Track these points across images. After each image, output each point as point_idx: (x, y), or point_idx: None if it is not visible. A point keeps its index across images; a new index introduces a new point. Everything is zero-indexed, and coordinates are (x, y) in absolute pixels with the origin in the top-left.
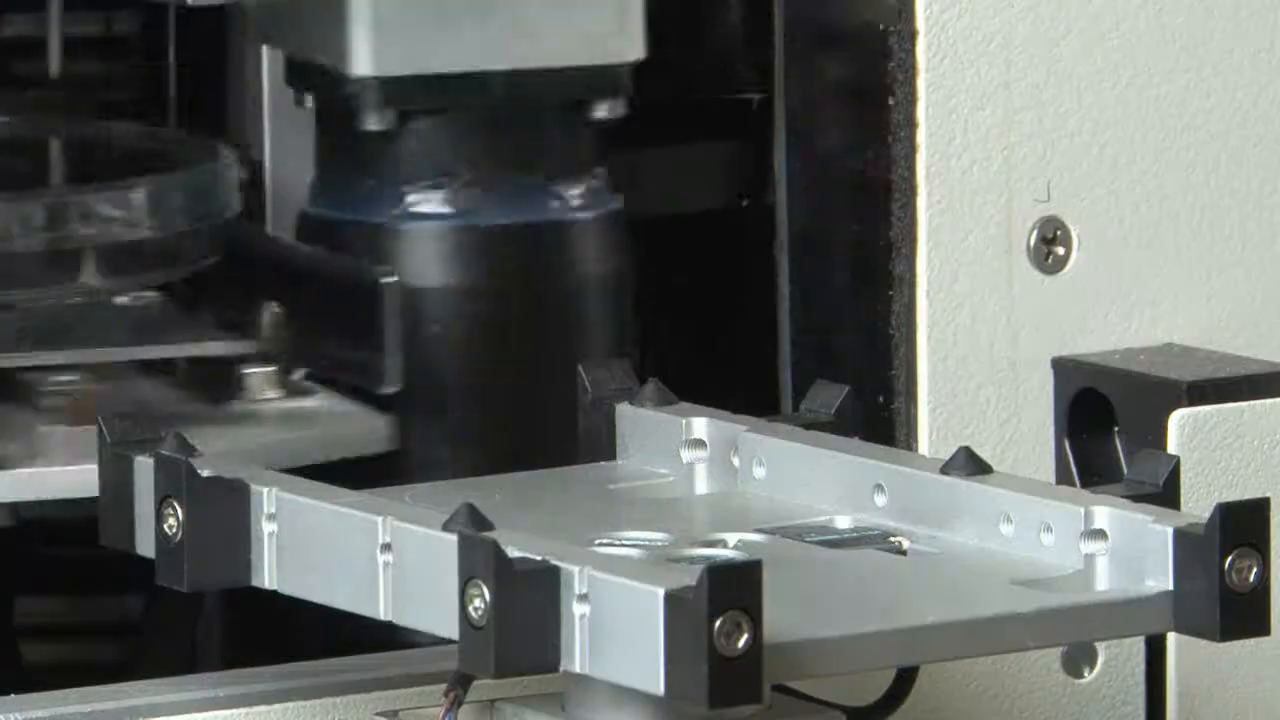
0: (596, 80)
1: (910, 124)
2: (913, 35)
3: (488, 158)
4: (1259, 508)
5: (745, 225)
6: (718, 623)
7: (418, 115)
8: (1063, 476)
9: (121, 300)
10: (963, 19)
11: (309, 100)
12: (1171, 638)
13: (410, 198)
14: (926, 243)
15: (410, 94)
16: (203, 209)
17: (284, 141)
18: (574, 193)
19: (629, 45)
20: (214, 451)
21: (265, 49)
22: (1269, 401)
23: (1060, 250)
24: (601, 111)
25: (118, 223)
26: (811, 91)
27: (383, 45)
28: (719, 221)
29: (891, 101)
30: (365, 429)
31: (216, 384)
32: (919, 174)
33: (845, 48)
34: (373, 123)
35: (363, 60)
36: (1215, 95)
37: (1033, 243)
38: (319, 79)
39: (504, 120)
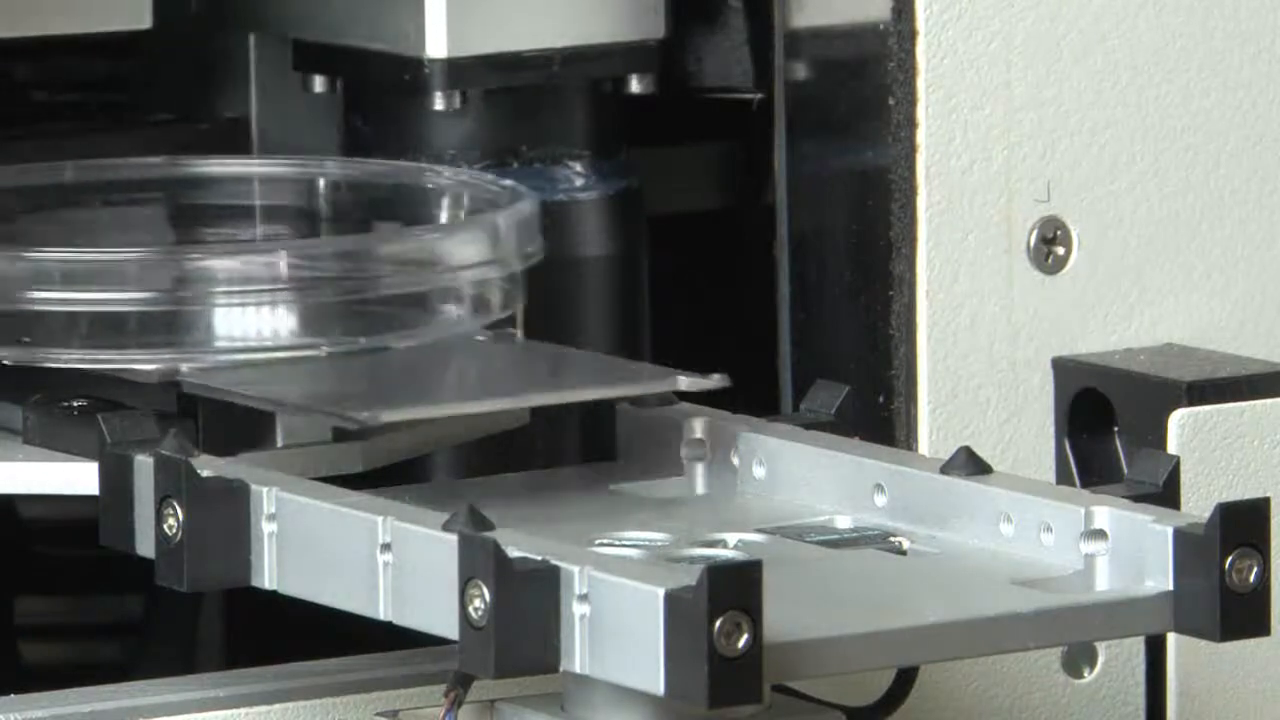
0: (633, 56)
1: (910, 124)
2: (913, 35)
3: (530, 136)
4: (1259, 508)
5: (745, 225)
6: (718, 623)
7: (477, 95)
8: (1063, 476)
9: (481, 339)
10: (963, 19)
11: (317, 84)
12: (1171, 638)
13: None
14: (926, 243)
15: (475, 74)
16: (536, 243)
17: (270, 125)
18: (609, 170)
19: (656, 22)
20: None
21: (252, 36)
22: (1269, 401)
23: (1060, 250)
24: (636, 87)
25: (481, 261)
26: (811, 92)
27: (454, 27)
28: (719, 221)
29: (891, 101)
30: (508, 409)
31: None
32: (919, 174)
33: (845, 48)
34: (439, 103)
35: (436, 42)
36: (1215, 95)
37: (1033, 243)
38: (347, 62)
39: (550, 98)
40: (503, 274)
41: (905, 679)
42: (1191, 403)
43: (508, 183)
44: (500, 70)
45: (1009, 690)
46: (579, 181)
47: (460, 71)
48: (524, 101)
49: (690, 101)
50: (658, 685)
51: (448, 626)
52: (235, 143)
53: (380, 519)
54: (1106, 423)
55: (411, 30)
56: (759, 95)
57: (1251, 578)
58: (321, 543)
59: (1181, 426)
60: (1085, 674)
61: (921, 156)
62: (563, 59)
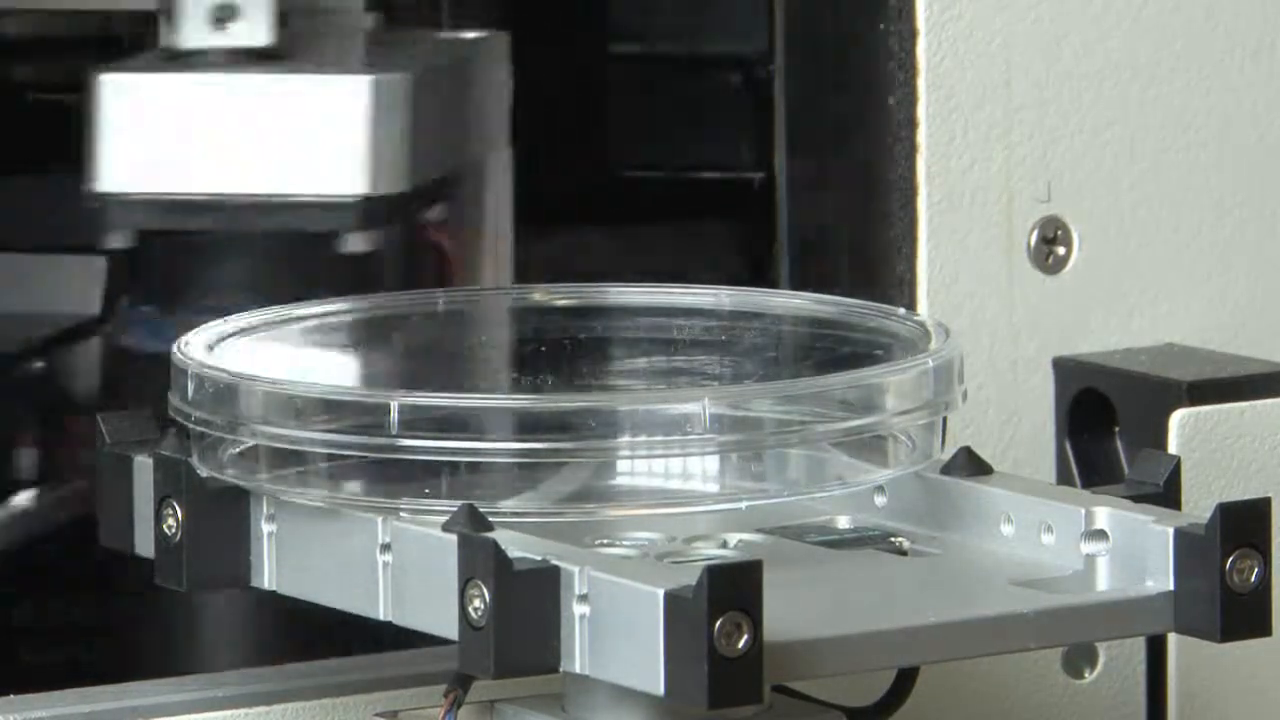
0: (330, 213)
1: (910, 124)
2: (913, 35)
3: (230, 283)
4: (1259, 508)
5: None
6: (718, 623)
7: (154, 236)
8: (1063, 476)
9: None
10: (963, 19)
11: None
12: (1172, 638)
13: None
14: (926, 243)
15: (148, 215)
16: (962, 387)
17: None
18: None
19: (354, 179)
20: None
21: None
22: (1269, 401)
23: (1060, 250)
24: (353, 245)
25: (918, 407)
26: (811, 91)
27: (126, 164)
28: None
29: (891, 101)
30: None
31: None
32: (919, 174)
33: (845, 47)
34: (115, 241)
35: (108, 178)
36: (1215, 95)
37: (1033, 243)
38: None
39: (249, 247)
40: (931, 420)
41: (905, 679)
42: (1192, 403)
43: (901, 311)
44: (170, 214)
45: (1009, 690)
46: None
47: (131, 211)
48: (205, 248)
49: (693, 181)
50: (658, 685)
51: (448, 626)
52: None
53: (380, 519)
54: (1107, 423)
55: (94, 164)
56: (760, 175)
57: (1252, 578)
58: (321, 543)
59: (1182, 426)
60: (1085, 674)
61: (921, 156)
62: (245, 209)
